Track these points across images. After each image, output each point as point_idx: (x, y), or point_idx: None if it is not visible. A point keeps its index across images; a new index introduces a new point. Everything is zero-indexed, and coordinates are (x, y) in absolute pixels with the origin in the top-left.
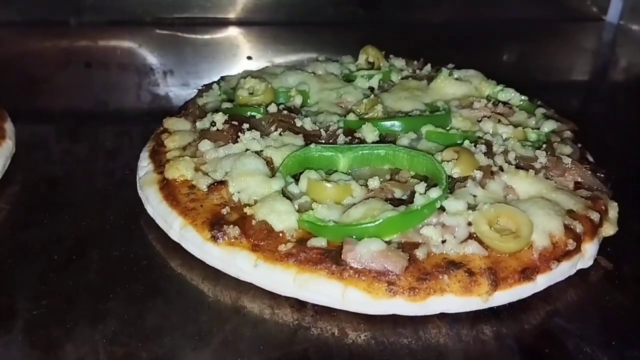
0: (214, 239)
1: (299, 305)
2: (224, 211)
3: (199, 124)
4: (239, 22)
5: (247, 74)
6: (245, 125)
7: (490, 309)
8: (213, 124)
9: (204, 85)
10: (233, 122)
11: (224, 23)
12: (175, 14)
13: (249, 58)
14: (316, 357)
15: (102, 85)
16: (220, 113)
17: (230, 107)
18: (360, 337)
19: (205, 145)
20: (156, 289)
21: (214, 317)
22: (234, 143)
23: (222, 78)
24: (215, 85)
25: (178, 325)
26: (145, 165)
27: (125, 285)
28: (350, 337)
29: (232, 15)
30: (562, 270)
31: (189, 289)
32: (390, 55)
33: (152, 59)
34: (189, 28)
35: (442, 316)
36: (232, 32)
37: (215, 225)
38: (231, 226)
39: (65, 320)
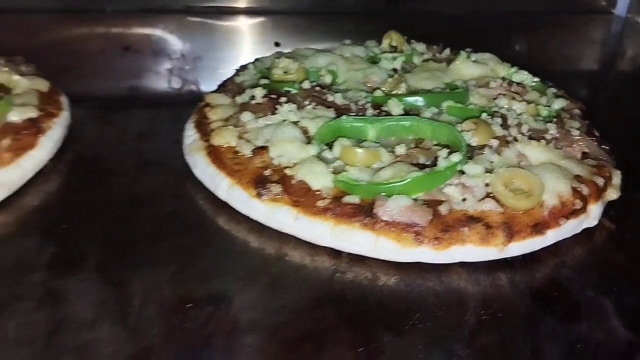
0: (259, 195)
1: (335, 254)
2: (266, 172)
3: (239, 99)
4: (263, 11)
5: (280, 55)
6: (283, 99)
7: (505, 259)
8: (252, 98)
9: (241, 65)
10: (271, 96)
11: (250, 12)
12: (205, 2)
13: (277, 44)
14: (352, 295)
15: (136, 70)
16: (259, 88)
17: (267, 83)
18: (390, 280)
19: (246, 116)
20: (206, 240)
21: (260, 262)
22: (272, 114)
23: (257, 59)
24: (250, 65)
25: (228, 269)
26: (191, 134)
27: (178, 237)
28: (381, 280)
29: (258, 4)
30: (570, 227)
31: (236, 240)
32: (412, 40)
33: (182, 45)
34: (218, 16)
35: (462, 265)
36: (256, 20)
37: (259, 183)
38: (274, 184)
39: (129, 263)
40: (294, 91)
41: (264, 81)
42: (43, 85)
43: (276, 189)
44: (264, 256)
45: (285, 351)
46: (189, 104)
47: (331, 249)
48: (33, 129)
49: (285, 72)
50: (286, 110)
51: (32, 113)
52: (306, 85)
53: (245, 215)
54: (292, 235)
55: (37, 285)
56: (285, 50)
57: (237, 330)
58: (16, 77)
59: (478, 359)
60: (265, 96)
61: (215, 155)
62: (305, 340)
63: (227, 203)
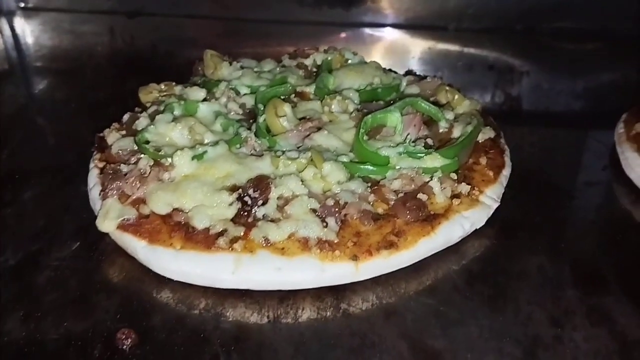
0: None
1: None
2: None
3: None
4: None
5: None
6: None
7: None
8: None
9: None
10: None
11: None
12: (544, 23)
13: None
14: None
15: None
16: None
17: None
18: None
19: None
20: None
21: None
22: None
23: None
24: None
25: None
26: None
27: None
28: None
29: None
30: None
31: None
32: None
33: (515, 62)
34: (556, 37)
35: None
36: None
37: None
38: None
39: None
40: None
41: None
42: (476, 104)
43: None
44: None
45: None
46: None
47: None
48: (497, 148)
49: None
50: None
51: (492, 133)
52: None
53: None
54: None
55: None
56: None
57: None
58: (458, 96)
59: None
60: None
61: None
62: None
63: None
